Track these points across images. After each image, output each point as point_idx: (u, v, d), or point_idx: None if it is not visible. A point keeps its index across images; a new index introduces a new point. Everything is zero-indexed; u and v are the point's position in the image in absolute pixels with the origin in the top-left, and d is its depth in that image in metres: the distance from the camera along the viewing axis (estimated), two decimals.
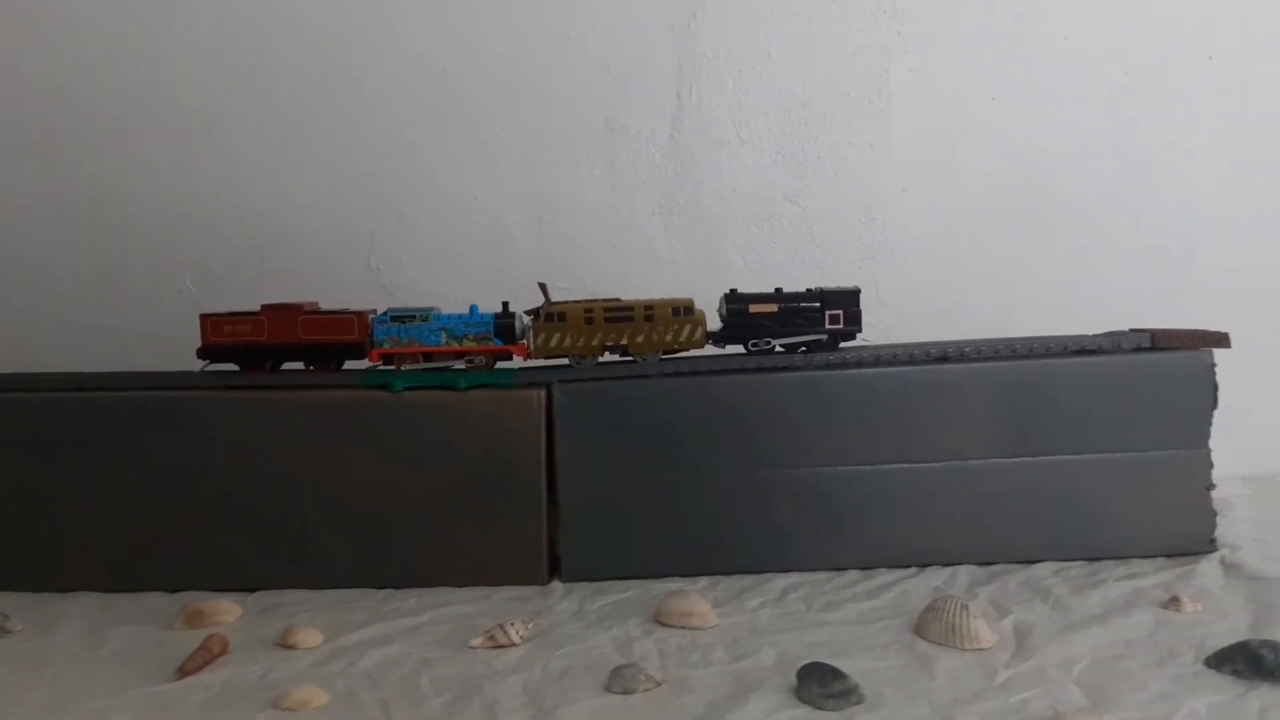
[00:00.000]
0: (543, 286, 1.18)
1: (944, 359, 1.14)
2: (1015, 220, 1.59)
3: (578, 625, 0.96)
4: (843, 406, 1.12)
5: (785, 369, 1.13)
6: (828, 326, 1.15)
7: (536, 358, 1.15)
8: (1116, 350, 1.13)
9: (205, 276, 1.61)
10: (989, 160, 1.59)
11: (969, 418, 1.12)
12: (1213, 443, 1.56)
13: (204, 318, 1.16)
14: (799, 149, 1.59)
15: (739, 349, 1.17)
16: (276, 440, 1.12)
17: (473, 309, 1.17)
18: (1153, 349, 1.13)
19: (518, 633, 0.91)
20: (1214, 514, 1.12)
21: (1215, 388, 1.11)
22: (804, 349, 1.15)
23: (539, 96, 1.58)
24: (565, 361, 1.16)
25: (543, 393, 1.12)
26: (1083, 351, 1.12)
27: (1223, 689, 0.76)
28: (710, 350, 1.17)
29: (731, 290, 1.18)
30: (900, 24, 1.58)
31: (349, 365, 1.19)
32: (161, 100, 1.57)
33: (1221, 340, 1.13)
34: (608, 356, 1.16)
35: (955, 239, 1.59)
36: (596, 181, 1.60)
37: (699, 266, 1.61)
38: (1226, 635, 0.85)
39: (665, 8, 1.57)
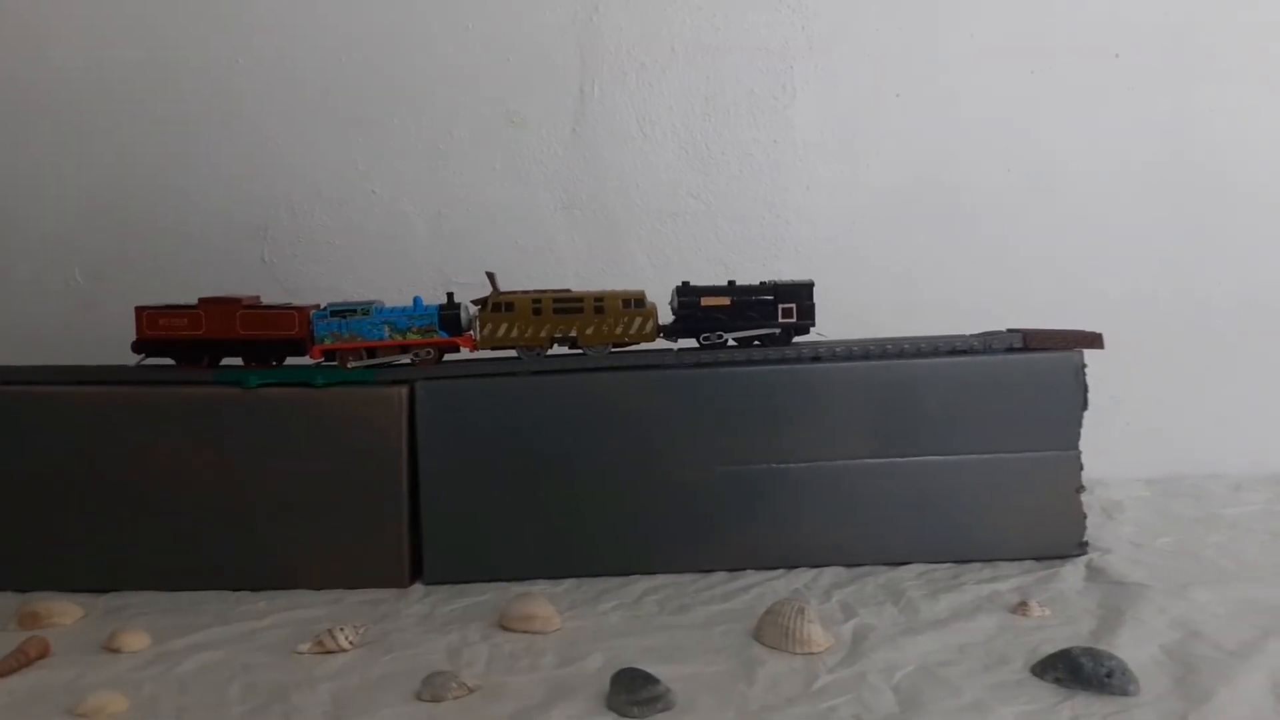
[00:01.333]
0: (491, 276, 1.14)
1: (816, 359, 1.12)
2: (919, 218, 1.58)
3: (418, 630, 0.93)
4: (711, 406, 1.10)
5: (653, 367, 1.11)
6: (781, 320, 1.12)
7: (483, 348, 1.12)
8: (987, 350, 1.11)
9: (94, 270, 1.57)
10: (893, 158, 1.57)
11: (839, 418, 1.10)
12: (1116, 445, 1.56)
13: (139, 310, 1.13)
14: (703, 145, 1.57)
15: (691, 342, 1.15)
16: (131, 438, 1.09)
17: (416, 301, 1.13)
18: (1024, 349, 1.11)
19: (347, 638, 0.89)
20: (1084, 517, 1.10)
21: (1085, 389, 1.10)
22: (757, 342, 1.13)
23: (438, 89, 1.56)
24: (513, 353, 1.13)
25: (405, 391, 1.09)
26: (953, 352, 1.11)
27: (1040, 697, 0.74)
28: (661, 344, 1.15)
29: (683, 283, 1.15)
30: (804, 19, 1.56)
31: (291, 361, 1.16)
32: (48, 92, 1.53)
33: (1094, 341, 1.11)
34: (556, 349, 1.13)
35: (859, 237, 1.58)
36: (497, 176, 1.57)
37: (602, 262, 1.59)
38: (1064, 641, 0.83)
39: (567, 1, 1.54)
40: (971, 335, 1.15)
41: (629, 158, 1.57)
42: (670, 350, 1.14)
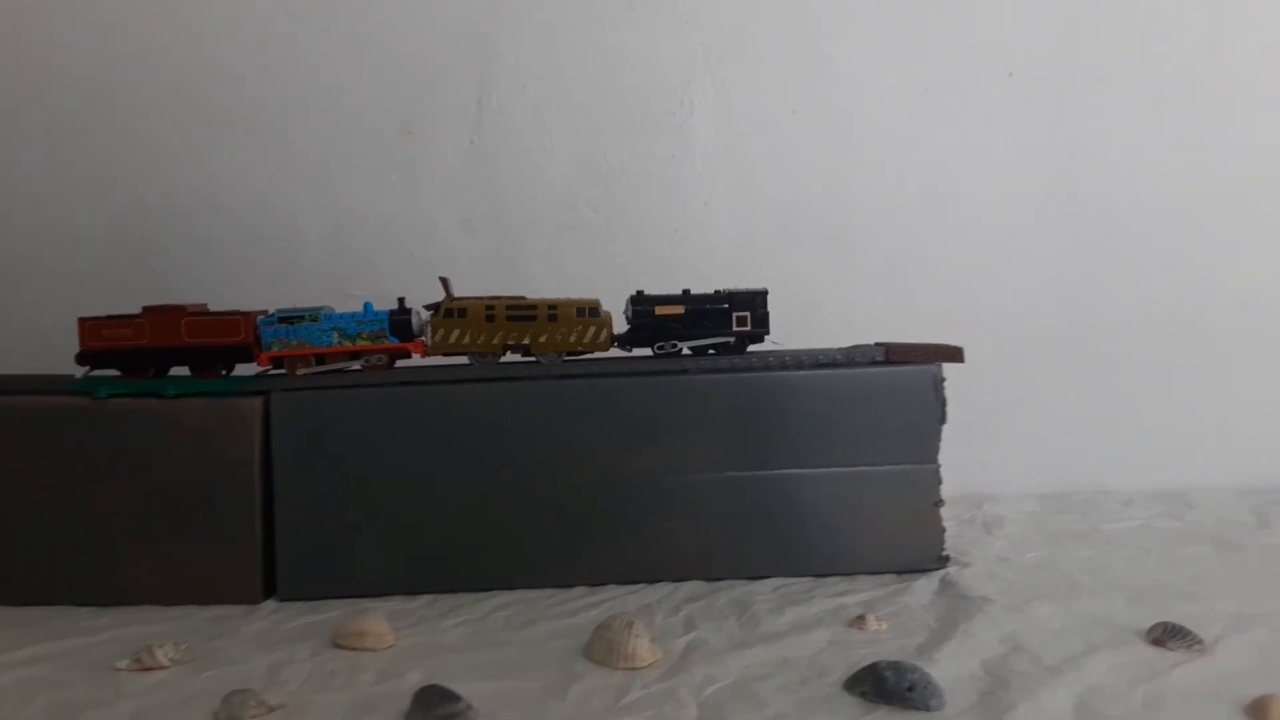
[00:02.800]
0: (444, 281, 1.13)
1: (683, 371, 1.11)
2: (815, 234, 1.58)
3: (248, 648, 0.91)
4: (573, 418, 1.09)
5: (514, 379, 1.10)
6: (735, 328, 1.12)
7: (434, 355, 1.11)
8: (848, 364, 1.11)
9: None
10: (790, 174, 1.58)
11: (701, 431, 1.09)
12: (1009, 461, 1.57)
13: (82, 321, 1.11)
14: (601, 158, 1.57)
15: (645, 351, 1.15)
16: None
17: (367, 306, 1.12)
18: (886, 363, 1.11)
19: (167, 655, 0.86)
20: (943, 530, 1.10)
21: (943, 402, 1.10)
22: (712, 351, 1.12)
23: (335, 101, 1.55)
24: (464, 360, 1.12)
25: (259, 401, 1.07)
26: (815, 365, 1.11)
27: (841, 712, 0.73)
28: (615, 353, 1.14)
29: (638, 292, 1.15)
30: (702, 36, 1.57)
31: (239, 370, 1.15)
32: None
33: (955, 354, 1.11)
34: (510, 357, 1.12)
35: (756, 252, 1.58)
36: (393, 188, 1.56)
37: (500, 275, 1.58)
38: (890, 655, 0.82)
39: (464, 12, 1.54)
40: (837, 349, 1.15)
41: (527, 170, 1.57)
42: (537, 362, 1.13)
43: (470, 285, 1.56)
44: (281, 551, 1.08)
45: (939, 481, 1.10)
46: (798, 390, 1.10)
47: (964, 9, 1.55)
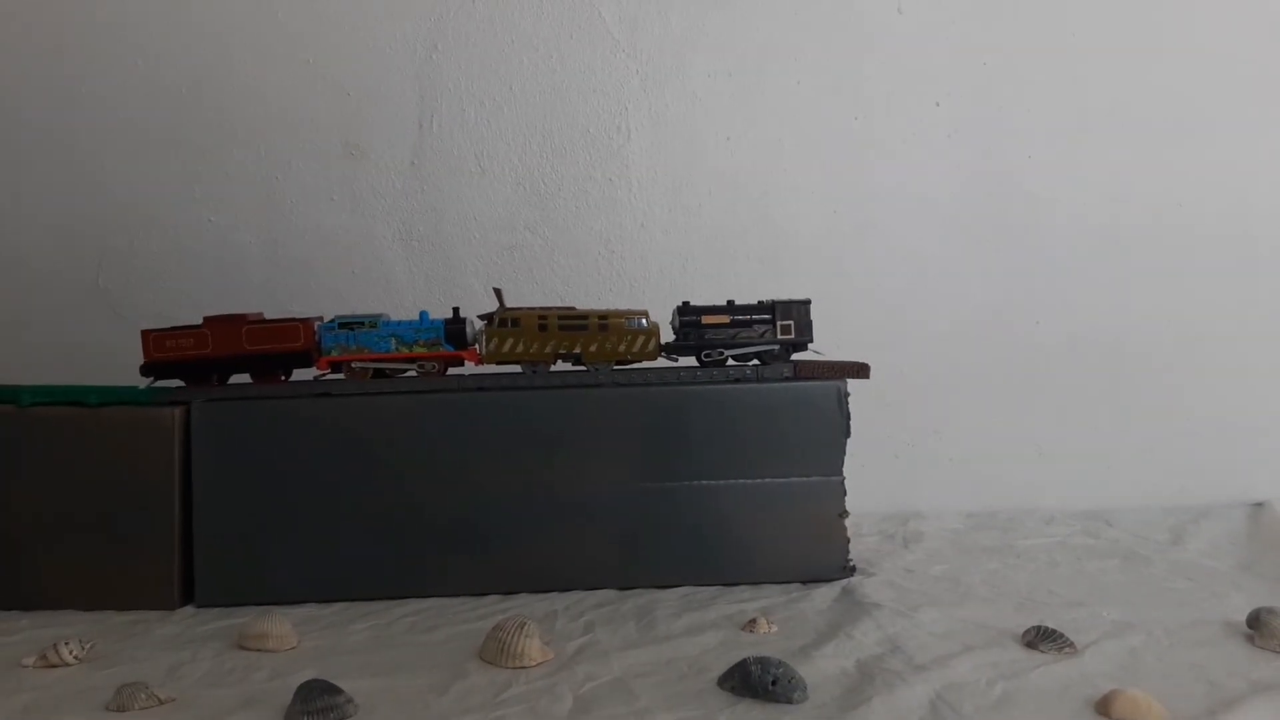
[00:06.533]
0: (498, 291, 1.17)
1: (596, 385, 1.14)
2: (748, 257, 1.62)
3: (154, 648, 0.93)
4: (485, 430, 1.12)
5: (431, 392, 1.13)
6: (779, 337, 1.15)
7: (488, 363, 1.14)
8: (757, 379, 1.15)
9: None
10: (722, 199, 1.62)
11: (612, 443, 1.12)
12: (939, 479, 1.60)
13: (145, 333, 1.14)
14: (540, 181, 1.61)
15: (691, 360, 1.18)
16: None
17: (423, 315, 1.16)
18: (794, 378, 1.15)
19: (71, 653, 0.88)
20: (847, 541, 1.13)
21: (848, 417, 1.13)
22: (756, 360, 1.15)
23: (277, 119, 1.58)
24: (517, 368, 1.15)
25: (178, 411, 1.10)
26: (725, 380, 1.14)
27: (707, 704, 0.76)
28: (662, 362, 1.17)
29: (684, 302, 1.18)
30: (638, 64, 1.61)
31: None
32: None
33: (861, 371, 1.15)
34: (560, 365, 1.15)
35: (689, 274, 1.62)
36: (335, 206, 1.59)
37: (439, 294, 1.61)
38: (771, 654, 0.85)
39: (407, 37, 1.59)
40: (748, 365, 1.18)
41: (467, 191, 1.61)
42: (457, 376, 1.16)
43: (410, 303, 1.60)
44: (199, 558, 1.10)
45: (844, 494, 1.13)
46: (708, 404, 1.13)
47: (893, 40, 1.61)
